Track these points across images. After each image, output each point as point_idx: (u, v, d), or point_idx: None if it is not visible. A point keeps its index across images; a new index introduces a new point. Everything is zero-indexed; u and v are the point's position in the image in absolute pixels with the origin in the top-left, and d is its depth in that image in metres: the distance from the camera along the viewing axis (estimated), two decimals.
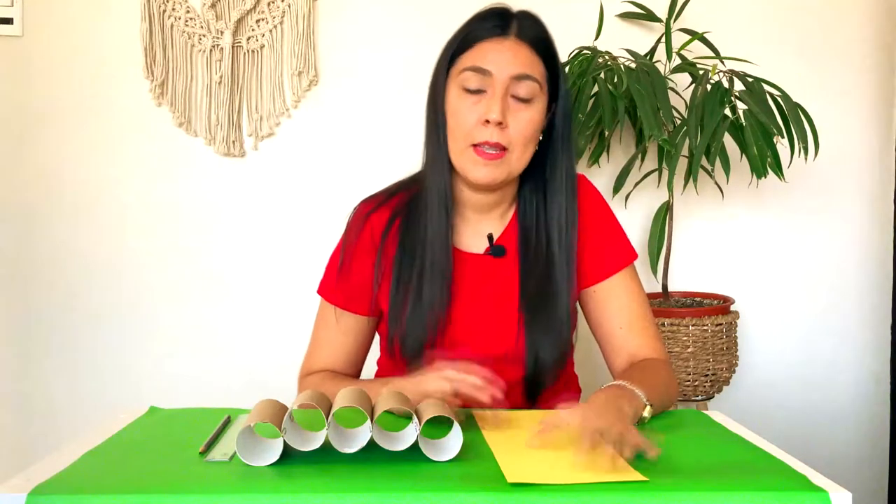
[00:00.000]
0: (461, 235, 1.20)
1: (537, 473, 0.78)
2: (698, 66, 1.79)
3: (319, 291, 1.24)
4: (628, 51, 1.85)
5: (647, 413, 0.99)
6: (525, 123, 1.11)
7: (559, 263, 1.16)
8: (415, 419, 0.85)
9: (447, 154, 1.14)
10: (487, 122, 1.09)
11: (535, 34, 1.14)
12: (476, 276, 1.19)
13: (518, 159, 1.13)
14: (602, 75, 1.76)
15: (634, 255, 1.22)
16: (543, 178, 1.18)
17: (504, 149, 1.10)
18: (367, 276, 1.19)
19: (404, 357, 1.17)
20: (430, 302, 1.14)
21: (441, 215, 1.15)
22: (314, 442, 0.85)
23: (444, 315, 1.15)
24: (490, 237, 1.19)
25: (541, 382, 1.17)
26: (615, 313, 1.19)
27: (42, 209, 2.02)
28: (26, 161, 2.02)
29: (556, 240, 1.16)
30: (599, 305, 1.20)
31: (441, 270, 1.15)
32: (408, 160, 1.28)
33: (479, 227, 1.20)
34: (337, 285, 1.21)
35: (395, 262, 1.18)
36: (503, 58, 1.10)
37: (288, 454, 0.83)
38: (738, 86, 1.71)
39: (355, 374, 1.26)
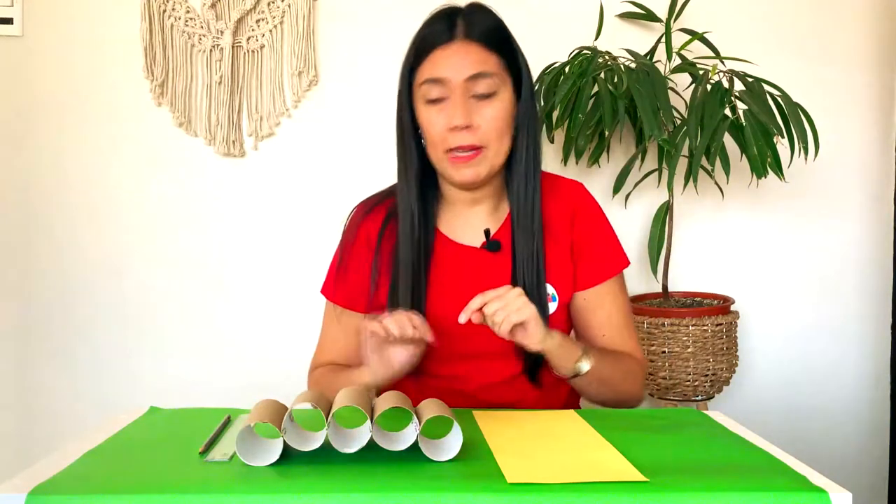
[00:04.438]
0: (457, 230, 1.22)
1: (537, 473, 0.78)
2: (698, 66, 1.79)
3: (322, 291, 1.27)
4: (628, 51, 1.85)
5: (583, 367, 1.09)
6: (493, 119, 1.12)
7: (532, 254, 1.17)
8: (415, 419, 0.85)
9: (416, 165, 1.18)
10: (456, 128, 1.11)
11: (483, 28, 1.14)
12: (472, 269, 1.20)
13: (496, 153, 1.14)
14: (602, 75, 1.76)
15: (626, 263, 1.24)
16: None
17: (479, 147, 1.13)
18: (365, 275, 1.22)
19: None
20: (406, 296, 1.17)
21: (409, 234, 1.18)
22: (314, 442, 0.85)
23: (420, 308, 1.17)
24: (487, 232, 1.21)
25: (537, 373, 1.19)
26: (600, 322, 1.21)
27: (42, 209, 2.03)
28: (26, 161, 2.02)
29: (521, 229, 1.17)
30: (587, 312, 1.22)
31: (414, 271, 1.18)
32: None
33: (474, 220, 1.22)
34: (337, 285, 1.25)
35: (392, 260, 1.20)
36: (454, 62, 1.11)
37: (288, 454, 0.83)
38: (738, 86, 1.72)
39: None
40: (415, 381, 1.20)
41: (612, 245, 1.23)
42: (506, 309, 1.01)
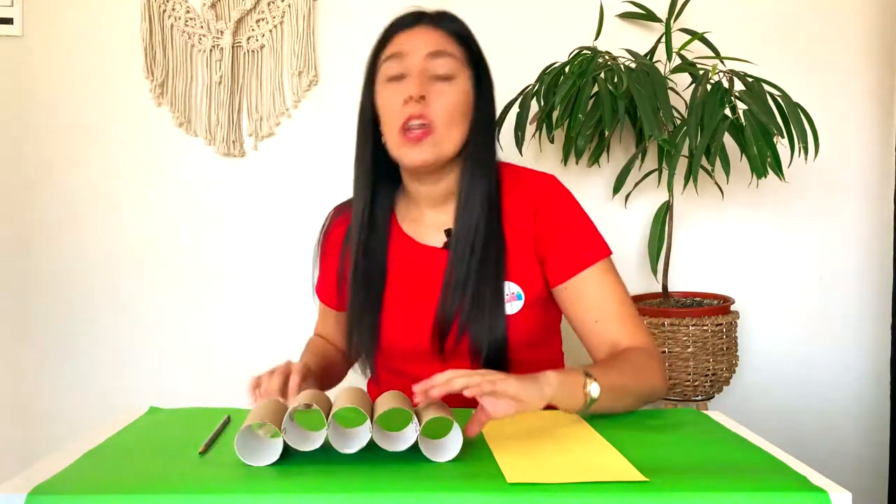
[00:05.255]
0: (421, 231, 1.24)
1: (537, 473, 0.78)
2: (698, 66, 1.79)
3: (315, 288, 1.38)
4: (628, 51, 1.85)
5: (593, 391, 0.97)
6: (447, 100, 1.14)
7: (479, 251, 1.16)
8: (414, 420, 0.85)
9: (370, 156, 1.20)
10: (410, 99, 1.13)
11: (447, 21, 1.19)
12: (430, 269, 1.21)
13: (445, 137, 1.14)
14: (602, 75, 1.75)
15: (607, 252, 1.19)
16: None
17: (429, 127, 1.13)
18: (334, 274, 1.30)
19: (358, 352, 1.24)
20: (372, 299, 1.21)
21: (359, 220, 1.21)
22: (314, 442, 0.85)
23: (375, 307, 1.20)
24: (448, 232, 1.22)
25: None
26: (588, 308, 1.16)
27: (41, 209, 2.03)
28: (25, 161, 2.02)
29: (471, 225, 1.17)
30: (573, 303, 1.17)
31: (367, 262, 1.21)
32: None
33: (436, 221, 1.23)
34: (318, 284, 1.36)
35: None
36: (416, 40, 1.16)
37: (288, 454, 0.83)
38: (738, 86, 1.72)
39: (346, 358, 1.37)
40: (388, 380, 1.23)
41: (585, 234, 1.19)
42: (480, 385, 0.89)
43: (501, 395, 0.89)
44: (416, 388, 0.87)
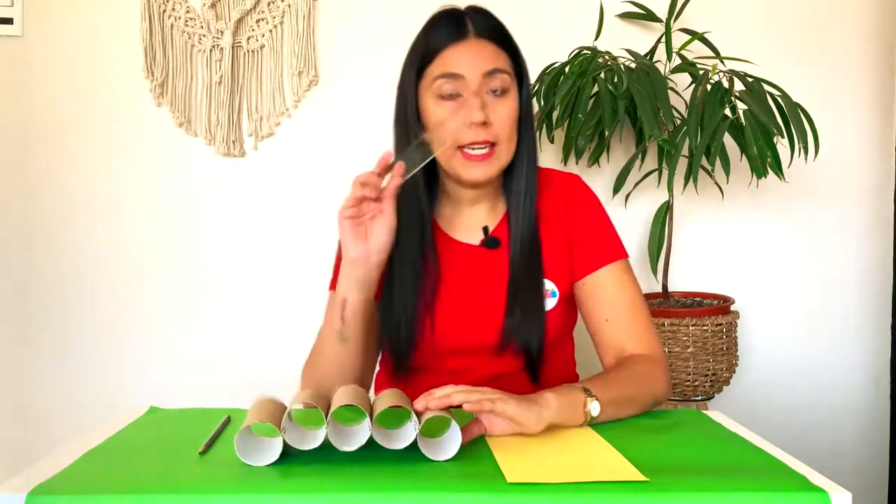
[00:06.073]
0: (455, 227, 1.24)
1: (537, 473, 0.78)
2: (698, 66, 1.79)
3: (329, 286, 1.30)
4: (628, 51, 1.85)
5: (593, 409, 0.97)
6: (505, 116, 1.14)
7: (527, 250, 1.18)
8: (413, 418, 0.85)
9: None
10: (474, 125, 1.11)
11: (490, 27, 1.16)
12: (470, 266, 1.21)
13: (505, 152, 1.16)
14: (602, 75, 1.76)
15: (623, 254, 1.21)
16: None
17: (492, 144, 1.14)
18: None
19: (392, 350, 1.19)
20: (411, 291, 1.17)
21: (415, 230, 1.18)
22: (313, 441, 0.85)
23: (424, 304, 1.17)
24: (486, 229, 1.22)
25: (537, 370, 1.18)
26: (601, 306, 1.18)
27: (41, 209, 2.03)
28: (25, 161, 2.02)
29: (521, 226, 1.18)
30: (588, 299, 1.20)
31: (417, 269, 1.18)
32: None
33: (473, 218, 1.23)
34: (336, 272, 1.27)
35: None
36: (470, 58, 1.13)
37: (287, 454, 0.83)
38: (738, 86, 1.72)
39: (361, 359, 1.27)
40: (413, 378, 1.21)
41: (607, 234, 1.22)
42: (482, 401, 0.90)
43: (500, 415, 0.90)
44: (416, 402, 0.88)
